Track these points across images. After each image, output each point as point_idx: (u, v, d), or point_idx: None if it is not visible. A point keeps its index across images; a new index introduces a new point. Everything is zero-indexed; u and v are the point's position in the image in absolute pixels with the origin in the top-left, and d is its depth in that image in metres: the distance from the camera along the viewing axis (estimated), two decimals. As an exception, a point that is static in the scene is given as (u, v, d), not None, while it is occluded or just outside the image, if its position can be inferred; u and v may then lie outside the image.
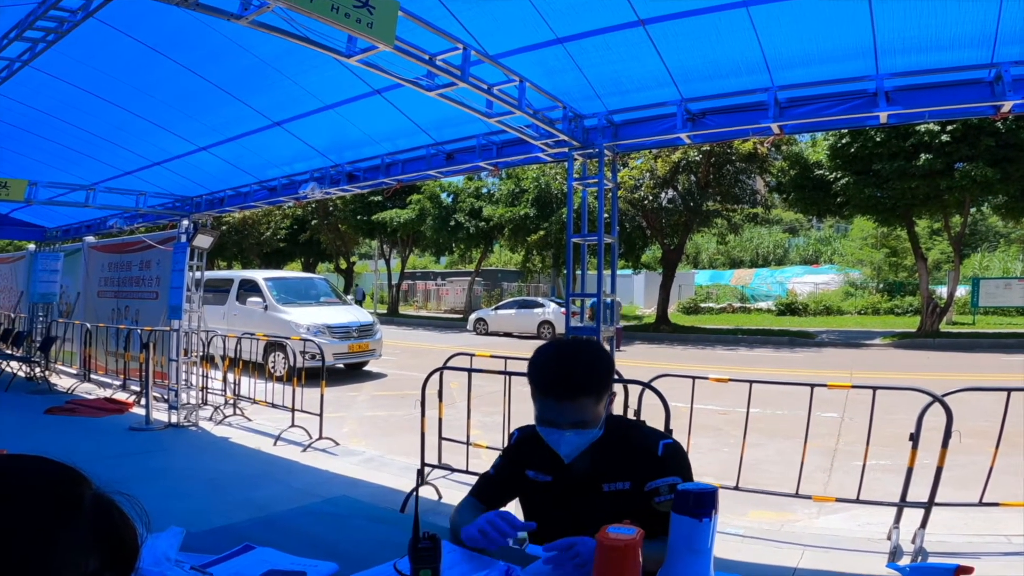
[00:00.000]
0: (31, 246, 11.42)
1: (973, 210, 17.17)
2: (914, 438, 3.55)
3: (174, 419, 6.70)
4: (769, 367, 11.86)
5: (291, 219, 29.53)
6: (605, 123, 3.98)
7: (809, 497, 3.90)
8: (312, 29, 2.58)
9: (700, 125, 3.73)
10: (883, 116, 3.31)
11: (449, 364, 5.04)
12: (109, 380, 8.84)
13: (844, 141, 15.37)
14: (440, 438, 4.89)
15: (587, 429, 1.56)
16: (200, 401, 7.20)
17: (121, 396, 7.99)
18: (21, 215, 9.63)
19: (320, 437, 5.91)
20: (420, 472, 1.35)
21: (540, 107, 3.74)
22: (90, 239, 9.87)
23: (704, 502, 1.25)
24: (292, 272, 17.33)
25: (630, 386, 4.11)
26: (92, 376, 9.21)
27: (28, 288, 10.09)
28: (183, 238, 6.99)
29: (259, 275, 11.82)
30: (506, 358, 4.93)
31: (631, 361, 11.83)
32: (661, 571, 1.28)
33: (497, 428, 4.93)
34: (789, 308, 24.56)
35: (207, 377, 7.60)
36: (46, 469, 0.62)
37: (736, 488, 4.02)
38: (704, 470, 4.87)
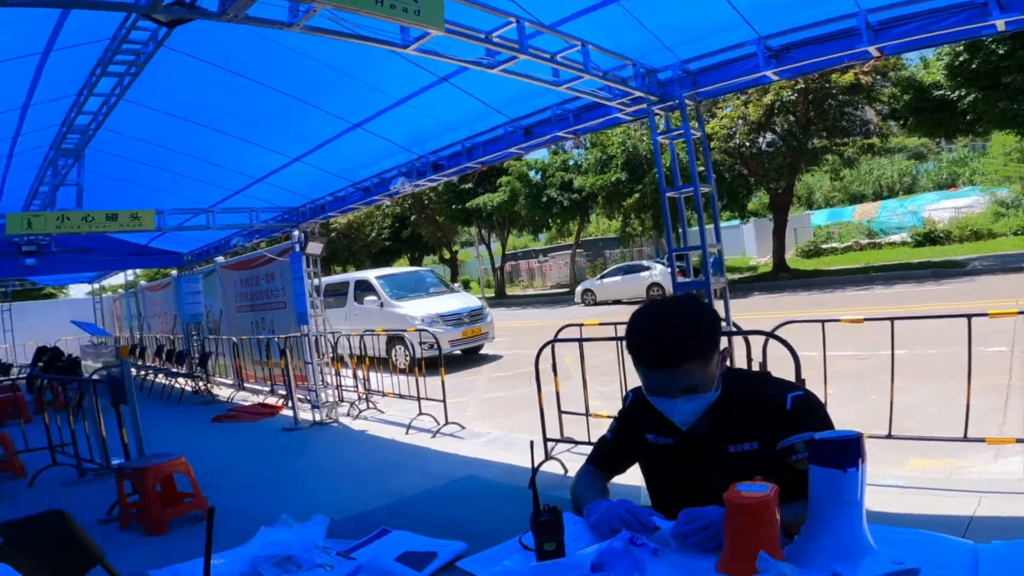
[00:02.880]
0: (174, 272, 12.75)
1: None
2: None
3: (317, 417, 7.24)
4: (912, 303, 10.78)
5: (392, 218, 30.80)
6: (681, 73, 3.80)
7: (982, 440, 3.50)
8: (363, 25, 2.62)
9: (786, 60, 3.49)
10: (1000, 24, 2.88)
11: (559, 337, 5.01)
12: (259, 387, 9.72)
13: (962, 58, 14.10)
14: (560, 412, 4.91)
15: (700, 393, 1.43)
16: (337, 399, 7.72)
17: (271, 400, 8.76)
18: (159, 244, 10.75)
19: (446, 422, 6.14)
20: (532, 446, 1.32)
21: (608, 68, 3.63)
22: (220, 259, 10.84)
23: (848, 451, 1.12)
24: (401, 268, 18.08)
25: (751, 338, 3.87)
26: (245, 385, 10.17)
27: (179, 311, 11.25)
28: (297, 247, 7.48)
29: (371, 274, 12.43)
30: (615, 323, 4.82)
31: (750, 313, 11.22)
32: (805, 526, 1.17)
33: (615, 397, 4.86)
34: (928, 238, 22.11)
35: (340, 376, 8.13)
36: None
37: (889, 436, 3.69)
38: (847, 421, 4.47)
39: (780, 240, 19.64)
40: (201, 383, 10.34)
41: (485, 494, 1.87)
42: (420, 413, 6.45)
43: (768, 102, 16.90)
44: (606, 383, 5.20)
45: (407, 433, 6.22)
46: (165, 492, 4.27)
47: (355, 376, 7.98)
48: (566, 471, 4.43)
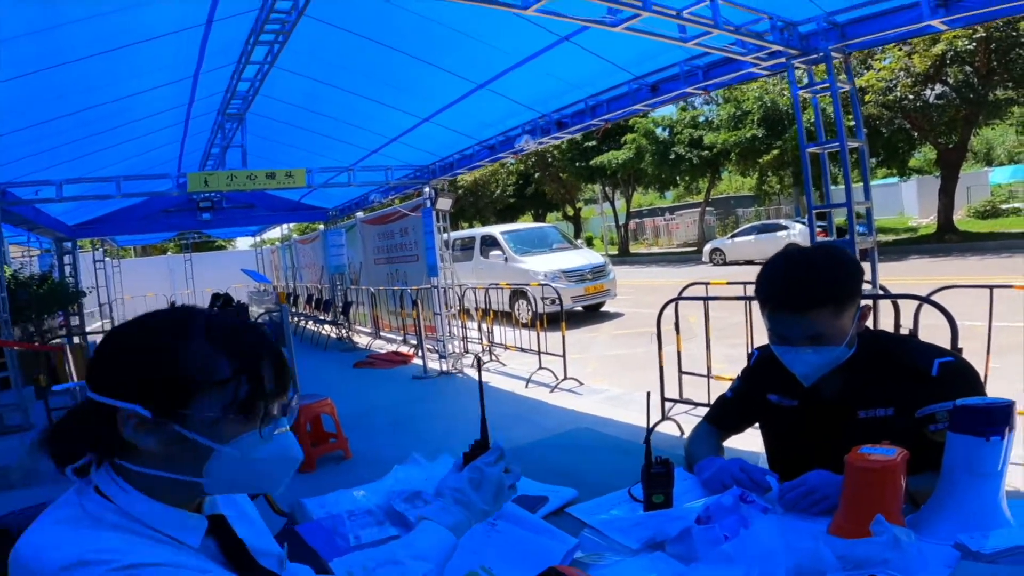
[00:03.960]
0: (320, 226, 13.91)
1: None
2: None
3: (444, 367, 7.68)
4: (1112, 273, 9.17)
5: (516, 175, 31.11)
6: (826, 26, 3.49)
7: None
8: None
9: (956, 8, 3.07)
10: None
11: (684, 295, 4.90)
12: (393, 336, 10.45)
13: None
14: (680, 372, 4.83)
15: (827, 346, 1.34)
16: (462, 350, 8.12)
17: (403, 349, 9.42)
18: (309, 200, 11.77)
19: (565, 378, 6.26)
20: (648, 396, 1.32)
21: (741, 22, 3.40)
22: (360, 215, 11.66)
23: (994, 418, 1.03)
24: (525, 224, 18.35)
25: (903, 303, 3.53)
26: (381, 334, 10.99)
27: (325, 262, 12.31)
28: (428, 203, 7.86)
29: (496, 229, 12.75)
30: (744, 283, 4.60)
31: (903, 278, 10.16)
32: (934, 494, 1.10)
33: (740, 360, 4.66)
34: None
35: (466, 327, 8.52)
36: (167, 315, 0.90)
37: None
38: (1009, 397, 4.00)
39: (948, 199, 17.47)
40: (343, 330, 11.31)
41: (597, 445, 1.93)
42: (540, 367, 6.63)
43: (938, 52, 14.92)
44: (731, 345, 5.00)
45: (526, 387, 6.43)
46: (313, 431, 4.58)
47: (479, 328, 8.32)
48: (682, 432, 4.39)
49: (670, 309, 4.66)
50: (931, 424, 1.25)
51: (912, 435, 1.27)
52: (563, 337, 6.39)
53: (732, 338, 5.01)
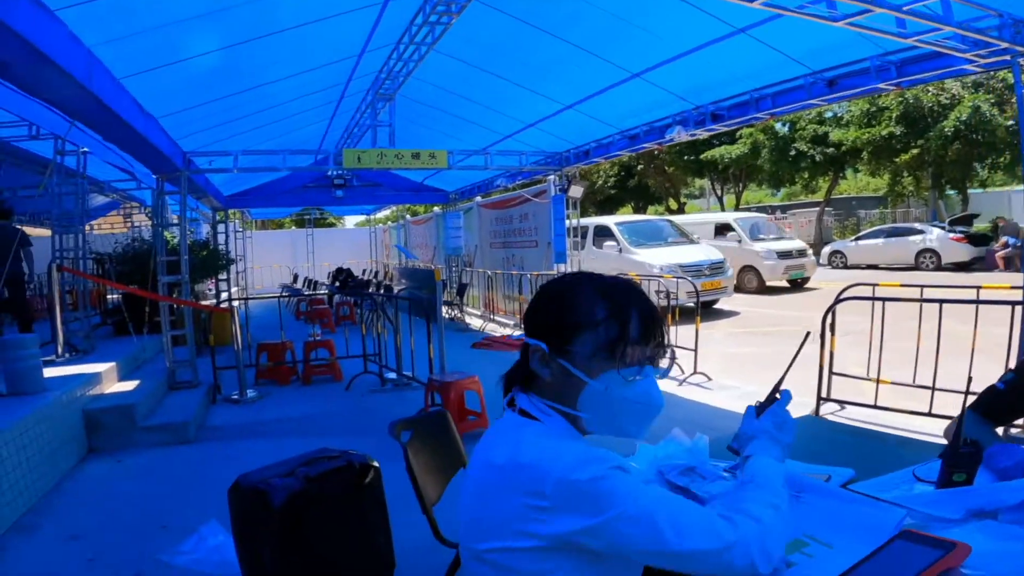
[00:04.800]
0: (436, 208, 14.39)
1: None
2: None
3: (564, 356, 7.77)
4: None
5: (619, 167, 30.58)
6: None
7: None
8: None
9: None
10: None
11: (843, 297, 4.69)
12: (506, 320, 10.63)
13: None
14: (831, 372, 4.64)
15: None
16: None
17: (517, 333, 9.59)
18: (431, 182, 12.18)
19: (694, 372, 6.17)
20: (968, 385, 1.27)
21: (963, 19, 3.19)
22: (478, 199, 11.94)
23: None
24: (640, 216, 18.16)
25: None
26: (494, 317, 11.17)
27: (442, 243, 12.73)
28: (555, 190, 7.94)
29: (611, 220, 12.67)
30: (922, 286, 4.33)
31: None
32: None
33: (905, 363, 4.41)
34: None
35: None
36: (571, 275, 1.16)
37: None
38: None
39: None
40: (456, 311, 11.67)
41: (825, 433, 1.92)
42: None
43: None
44: (891, 350, 4.72)
45: (654, 379, 6.39)
46: (458, 406, 4.68)
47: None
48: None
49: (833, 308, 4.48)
50: None
51: None
52: (696, 331, 6.30)
53: (893, 340, 4.72)
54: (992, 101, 16.79)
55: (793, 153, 21.80)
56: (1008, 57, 3.36)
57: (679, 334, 6.51)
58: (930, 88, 17.08)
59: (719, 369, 6.43)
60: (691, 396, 5.71)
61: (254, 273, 19.45)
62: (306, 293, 13.71)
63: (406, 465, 1.79)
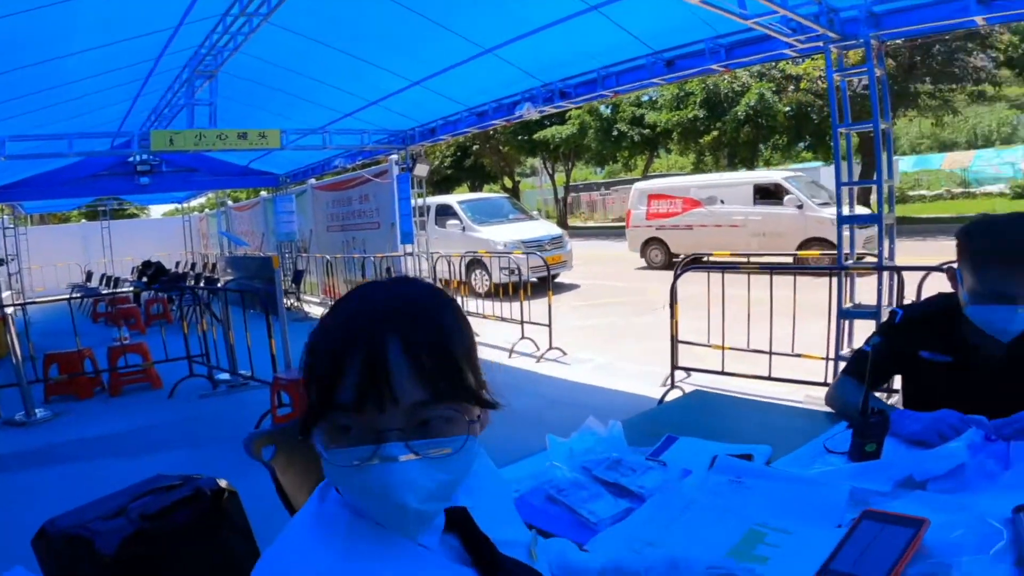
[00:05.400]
0: (264, 193, 13.23)
1: None
2: None
3: (416, 338, 7.55)
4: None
5: (455, 147, 30.65)
6: (866, 14, 3.65)
7: None
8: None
9: (999, 8, 3.26)
10: None
11: (688, 267, 5.03)
12: (347, 306, 10.09)
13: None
14: (676, 341, 4.96)
15: None
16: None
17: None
18: (258, 165, 11.08)
19: (550, 347, 6.30)
20: (869, 359, 1.31)
21: (789, 5, 3.50)
22: (312, 181, 11.14)
23: None
24: (481, 194, 18.23)
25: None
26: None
27: (273, 228, 11.72)
28: (396, 170, 7.61)
29: (453, 199, 12.64)
30: (748, 255, 4.77)
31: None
32: None
33: (739, 331, 4.85)
34: (1027, 190, 20.80)
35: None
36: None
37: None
38: None
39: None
40: (293, 300, 10.83)
41: (722, 408, 1.94)
42: (523, 337, 6.63)
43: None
44: (697, 318, 5.16)
45: (510, 356, 6.41)
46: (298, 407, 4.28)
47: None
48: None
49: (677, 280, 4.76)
50: None
51: None
52: (549, 306, 6.42)
53: (717, 307, 5.15)
54: (773, 89, 19.36)
55: (615, 133, 23.53)
56: (821, 43, 3.75)
57: (531, 310, 6.60)
58: (726, 76, 18.94)
59: (572, 343, 6.64)
60: (551, 372, 5.82)
61: (32, 274, 16.47)
62: (105, 292, 11.82)
63: (276, 487, 1.49)
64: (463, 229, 11.64)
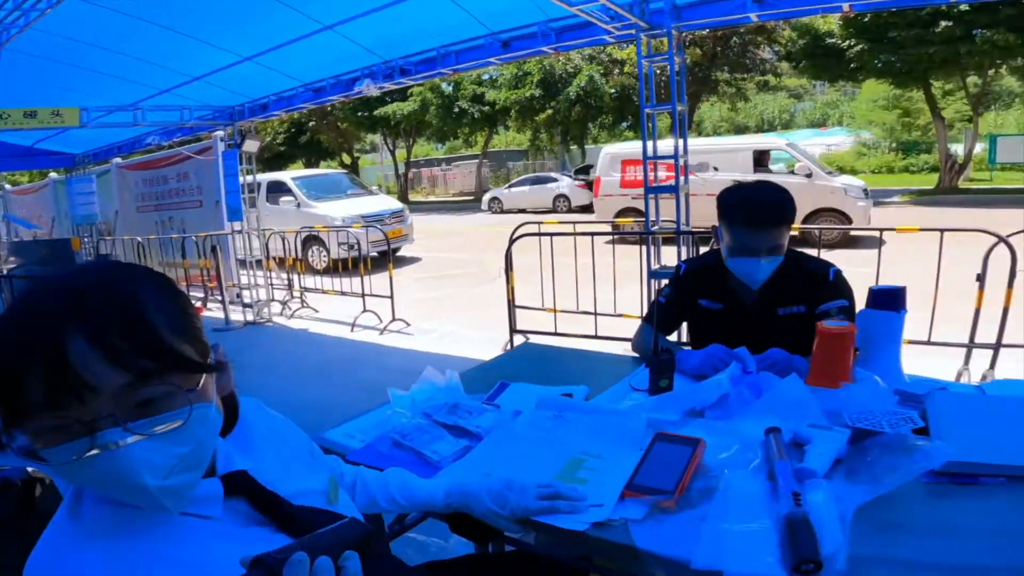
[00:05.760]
0: (54, 174, 11.51)
1: (991, 72, 17.10)
2: (981, 279, 3.52)
3: (249, 317, 7.12)
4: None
5: (288, 123, 28.88)
6: (670, 7, 4.10)
7: None
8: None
9: (768, 5, 3.85)
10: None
11: (517, 235, 5.33)
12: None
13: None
14: (512, 306, 5.23)
15: (778, 255, 1.72)
16: (269, 297, 7.57)
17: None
18: (48, 145, 9.58)
19: (393, 319, 6.32)
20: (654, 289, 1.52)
21: None
22: (117, 160, 9.91)
23: (900, 297, 1.50)
24: (317, 170, 17.33)
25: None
26: (151, 288, 9.56)
27: (68, 212, 10.28)
28: (222, 146, 7.07)
29: (286, 175, 12.07)
30: (575, 222, 5.18)
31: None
32: (862, 361, 1.57)
33: (568, 294, 5.30)
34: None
35: (270, 274, 7.93)
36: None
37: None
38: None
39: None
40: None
41: (549, 357, 2.16)
42: (365, 310, 6.57)
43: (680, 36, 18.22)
44: (533, 283, 5.55)
45: (352, 331, 6.34)
46: None
47: (288, 275, 7.87)
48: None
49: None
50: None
51: (811, 326, 1.67)
52: (390, 278, 6.41)
53: (533, 276, 5.52)
54: (601, 72, 20.80)
55: (456, 110, 23.92)
56: (634, 31, 4.15)
57: (372, 284, 6.57)
58: (561, 57, 20.23)
59: (415, 314, 6.73)
60: (396, 344, 5.85)
61: None
62: None
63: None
64: (298, 205, 11.18)
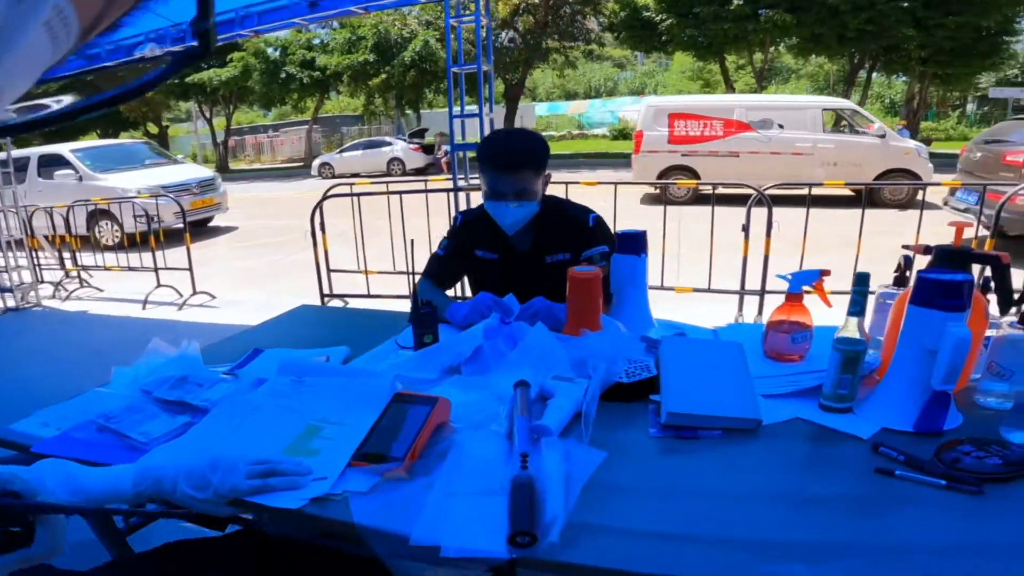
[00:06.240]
0: None
1: (772, 49, 19.34)
2: (746, 229, 3.97)
3: (11, 304, 6.03)
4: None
5: (75, 92, 24.88)
6: None
7: (672, 289, 4.40)
8: None
9: None
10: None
11: (327, 196, 5.08)
12: None
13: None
14: (328, 270, 5.02)
15: (528, 201, 1.70)
16: (35, 280, 6.44)
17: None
18: None
19: (194, 292, 5.71)
20: (413, 244, 1.41)
21: None
22: None
23: (640, 241, 1.54)
24: (109, 141, 14.96)
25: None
26: None
27: None
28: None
29: (64, 148, 10.42)
30: (388, 182, 5.03)
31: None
32: (613, 308, 1.61)
33: (385, 257, 5.15)
34: (621, 133, 26.46)
35: (36, 254, 6.74)
36: None
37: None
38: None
39: (511, 125, 21.55)
40: None
41: (322, 319, 2.01)
42: (159, 285, 5.85)
43: (515, 3, 18.84)
44: (369, 246, 5.36)
45: (144, 308, 5.63)
46: None
47: (60, 254, 6.75)
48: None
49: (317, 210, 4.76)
50: (590, 265, 1.66)
51: None
52: (188, 249, 5.73)
53: (369, 237, 5.34)
54: (436, 37, 20.50)
55: (283, 76, 22.62)
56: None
57: (168, 257, 5.89)
58: (397, 22, 20.22)
59: (227, 286, 6.17)
60: (195, 318, 5.29)
61: None
62: None
63: None
64: (80, 179, 9.78)
